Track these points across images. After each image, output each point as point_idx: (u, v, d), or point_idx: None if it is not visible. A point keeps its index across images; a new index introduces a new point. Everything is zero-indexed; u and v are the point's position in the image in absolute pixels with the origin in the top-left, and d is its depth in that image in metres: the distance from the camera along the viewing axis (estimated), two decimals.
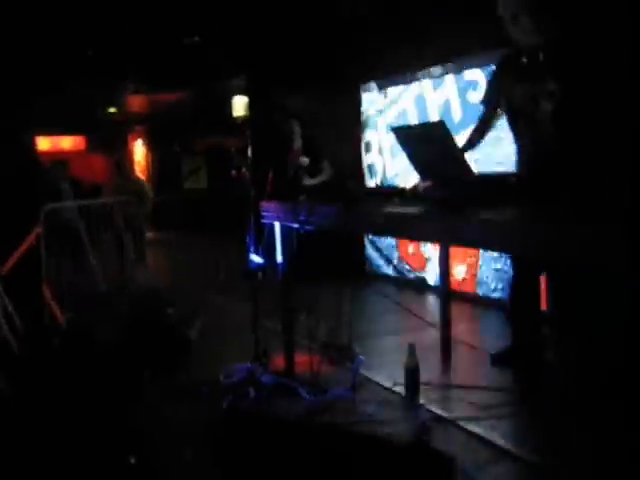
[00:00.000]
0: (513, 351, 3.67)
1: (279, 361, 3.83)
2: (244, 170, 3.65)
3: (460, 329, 4.37)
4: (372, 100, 6.67)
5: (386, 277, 6.62)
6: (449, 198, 2.58)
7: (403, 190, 3.23)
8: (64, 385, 3.48)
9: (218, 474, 2.58)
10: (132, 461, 2.67)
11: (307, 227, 3.21)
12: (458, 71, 5.48)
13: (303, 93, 6.75)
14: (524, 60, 3.24)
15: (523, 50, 3.23)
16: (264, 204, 3.64)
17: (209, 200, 13.23)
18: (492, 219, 2.32)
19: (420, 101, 5.96)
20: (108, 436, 2.94)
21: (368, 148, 6.81)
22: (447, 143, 2.68)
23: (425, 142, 2.82)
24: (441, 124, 2.71)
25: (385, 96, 6.46)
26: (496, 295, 5.23)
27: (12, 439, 3.00)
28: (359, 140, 6.86)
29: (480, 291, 5.41)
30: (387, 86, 6.43)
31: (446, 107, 5.63)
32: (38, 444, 2.89)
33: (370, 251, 6.89)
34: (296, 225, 3.30)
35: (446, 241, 3.44)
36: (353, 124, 6.84)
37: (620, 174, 2.97)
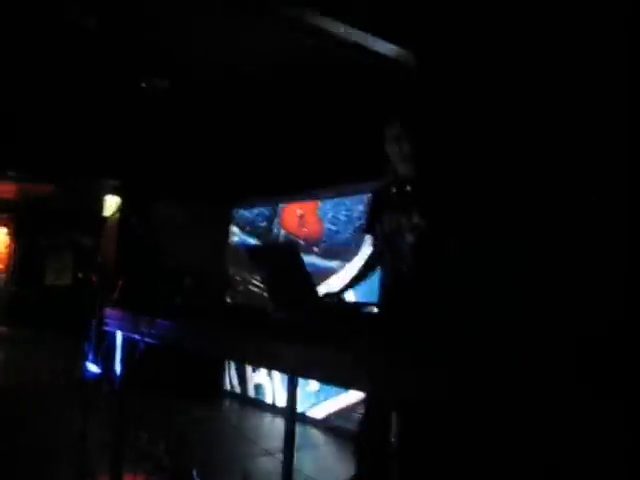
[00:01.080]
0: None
1: None
2: (93, 274, 3.48)
3: (305, 456, 4.22)
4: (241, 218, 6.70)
5: (236, 395, 6.40)
6: (292, 323, 2.52)
7: (253, 308, 3.17)
8: None
9: None
10: None
11: (148, 340, 3.05)
12: (329, 198, 5.61)
13: (175, 205, 6.70)
14: (393, 190, 3.33)
15: (394, 181, 3.33)
16: (107, 311, 3.45)
17: (71, 298, 12.64)
18: (337, 353, 2.22)
19: None
20: None
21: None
22: (295, 263, 2.65)
23: (275, 261, 2.78)
24: (292, 246, 2.69)
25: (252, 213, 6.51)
26: (339, 422, 5.14)
27: None
28: (225, 254, 6.81)
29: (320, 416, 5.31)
30: (257, 206, 6.49)
31: None
32: None
33: (229, 367, 6.69)
34: (137, 337, 3.13)
35: (294, 373, 3.35)
36: (221, 236, 6.81)
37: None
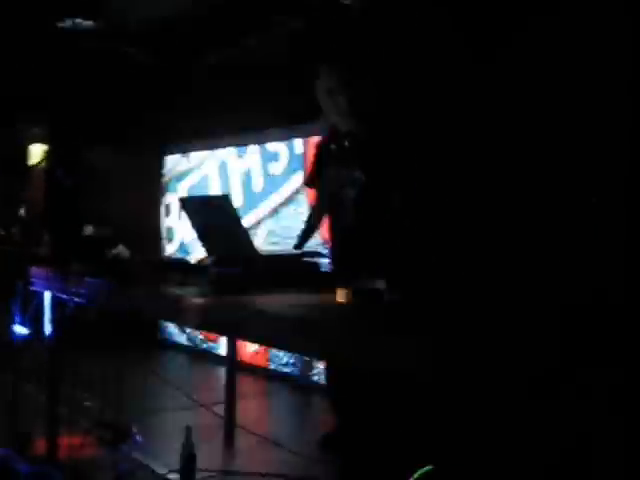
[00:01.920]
0: (340, 436, 3.54)
1: (42, 444, 3.42)
2: (13, 229, 3.29)
3: (248, 407, 4.19)
4: (176, 163, 6.48)
5: (179, 346, 6.32)
6: (229, 276, 2.43)
7: (187, 263, 3.06)
8: None
9: None
10: None
11: (78, 300, 2.91)
12: (261, 142, 5.46)
13: (105, 149, 6.43)
14: (333, 146, 3.28)
15: (333, 136, 3.27)
16: (33, 270, 3.28)
17: None
18: (278, 313, 2.11)
19: (223, 168, 5.87)
20: None
21: (168, 212, 6.58)
22: (231, 218, 2.55)
23: (210, 215, 2.68)
24: (225, 198, 2.58)
25: (189, 160, 6.31)
26: (287, 370, 5.13)
27: None
28: (158, 203, 6.62)
29: (272, 365, 5.29)
30: (191, 150, 6.29)
31: (248, 177, 5.57)
32: None
33: None
34: (66, 297, 2.99)
35: (228, 334, 3.27)
36: (154, 185, 6.60)
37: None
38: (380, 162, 3.17)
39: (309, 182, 3.52)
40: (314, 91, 3.24)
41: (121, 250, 3.28)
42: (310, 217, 3.59)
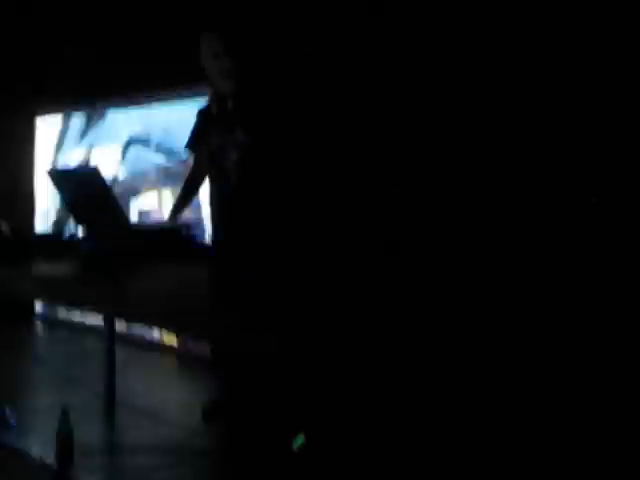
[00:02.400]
0: (223, 404, 3.51)
1: None
2: None
3: (126, 381, 4.08)
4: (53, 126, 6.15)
5: (55, 321, 6.05)
6: (98, 251, 2.34)
7: (59, 238, 2.93)
8: None
9: None
10: None
11: None
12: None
13: None
14: (214, 109, 3.22)
15: (215, 99, 3.22)
16: None
17: None
18: (151, 289, 2.03)
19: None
20: None
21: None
22: (102, 192, 2.44)
23: (80, 189, 2.56)
24: (95, 171, 2.47)
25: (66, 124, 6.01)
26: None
27: None
28: (32, 172, 6.28)
29: (146, 334, 5.17)
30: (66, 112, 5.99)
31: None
32: None
33: None
34: None
35: (102, 312, 3.17)
36: (26, 153, 6.25)
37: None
38: (265, 123, 3.14)
39: (190, 146, 3.43)
40: (199, 56, 3.16)
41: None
42: (186, 185, 3.51)
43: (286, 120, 3.26)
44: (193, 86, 4.55)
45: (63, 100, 5.86)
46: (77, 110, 5.92)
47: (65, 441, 2.98)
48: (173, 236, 2.60)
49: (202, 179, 3.44)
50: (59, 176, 2.79)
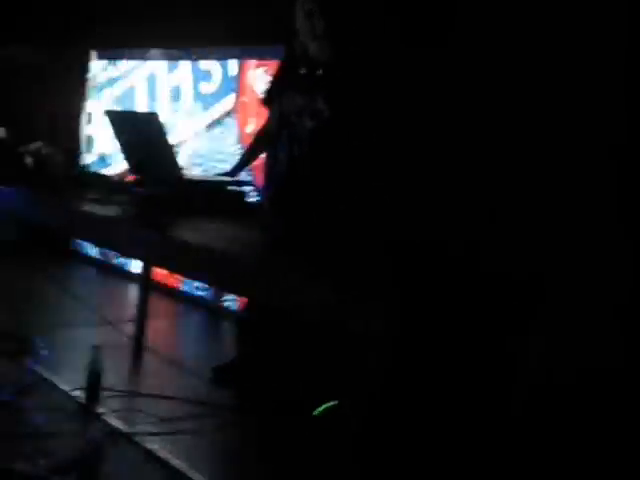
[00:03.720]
0: (236, 367, 3.50)
1: None
2: None
3: (157, 329, 4.14)
4: (101, 69, 6.17)
5: (91, 259, 6.13)
6: (151, 199, 2.35)
7: (109, 179, 2.95)
8: None
9: None
10: None
11: None
12: (194, 59, 5.25)
13: (25, 46, 6.02)
14: (302, 71, 3.08)
15: (303, 60, 3.07)
16: None
17: None
18: (198, 244, 2.00)
19: (151, 81, 5.63)
20: None
21: (90, 119, 6.29)
22: (158, 137, 2.45)
23: (137, 132, 2.57)
24: (154, 116, 2.47)
25: (116, 68, 6.01)
26: (200, 293, 5.08)
27: None
28: (80, 109, 6.31)
29: (185, 287, 5.22)
30: (119, 58, 5.98)
31: (176, 93, 5.37)
32: None
33: None
34: None
35: (147, 260, 3.15)
36: (75, 90, 6.27)
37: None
38: (351, 100, 2.99)
39: (267, 102, 3.33)
40: (291, 9, 3.04)
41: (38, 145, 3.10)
42: (255, 140, 3.43)
43: (374, 100, 3.11)
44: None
45: (115, 44, 5.85)
46: (125, 56, 5.91)
47: (94, 378, 3.04)
48: (225, 190, 2.61)
49: (272, 137, 3.34)
50: (117, 117, 2.80)
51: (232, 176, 3.21)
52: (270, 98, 3.27)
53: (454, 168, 3.23)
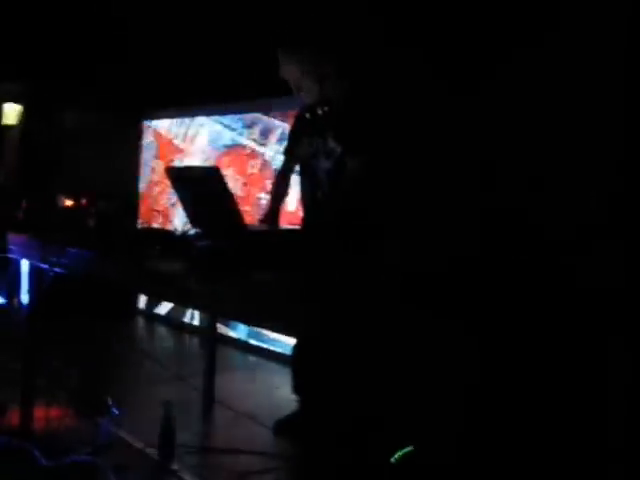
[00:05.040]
0: (298, 419, 3.45)
1: (16, 415, 3.33)
2: None
3: (225, 382, 4.12)
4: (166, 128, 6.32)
5: (160, 317, 6.19)
6: (214, 251, 2.35)
7: (171, 233, 2.98)
8: None
9: None
10: None
11: (57, 270, 2.81)
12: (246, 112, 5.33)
13: (82, 111, 6.23)
14: (307, 115, 3.20)
15: (308, 105, 3.19)
16: (10, 236, 3.16)
17: None
18: (261, 288, 2.04)
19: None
20: None
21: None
22: (220, 190, 2.46)
23: (198, 186, 2.58)
24: (216, 170, 2.49)
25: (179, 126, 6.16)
26: (264, 345, 5.05)
27: None
28: (137, 167, 6.46)
29: (254, 339, 5.20)
30: (172, 117, 6.13)
31: None
32: None
33: None
34: (45, 266, 2.89)
35: (211, 310, 3.18)
36: (132, 150, 6.44)
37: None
38: (358, 135, 3.06)
39: (286, 153, 3.43)
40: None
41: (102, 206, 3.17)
42: (275, 189, 3.48)
43: (379, 131, 3.17)
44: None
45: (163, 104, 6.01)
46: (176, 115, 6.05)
47: (167, 434, 3.03)
48: (287, 239, 2.59)
49: (289, 183, 3.45)
50: (178, 174, 2.83)
51: (273, 221, 3.29)
52: (289, 147, 3.38)
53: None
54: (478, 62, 3.26)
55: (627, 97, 2.79)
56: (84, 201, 3.55)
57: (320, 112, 3.13)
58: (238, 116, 5.41)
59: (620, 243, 2.72)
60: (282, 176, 3.47)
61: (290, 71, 3.08)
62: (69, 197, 3.67)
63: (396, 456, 2.99)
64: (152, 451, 3.10)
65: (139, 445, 3.22)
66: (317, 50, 3.12)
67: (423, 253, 2.73)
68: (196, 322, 5.65)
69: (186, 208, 2.77)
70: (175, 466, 2.99)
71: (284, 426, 3.46)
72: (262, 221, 3.38)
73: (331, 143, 3.07)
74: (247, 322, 3.53)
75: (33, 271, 3.16)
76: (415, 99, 3.50)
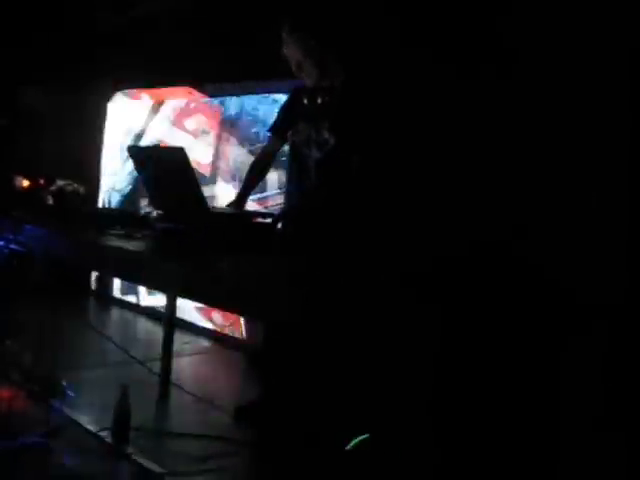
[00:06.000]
0: (260, 405, 3.42)
1: None
2: None
3: (184, 365, 4.10)
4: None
5: (114, 299, 6.10)
6: (177, 232, 2.32)
7: (132, 214, 2.93)
8: None
9: None
10: None
11: (13, 247, 2.75)
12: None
13: (43, 92, 6.09)
14: (305, 101, 3.12)
15: (306, 91, 3.11)
16: None
17: None
18: (225, 272, 2.01)
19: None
20: None
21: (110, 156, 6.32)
22: (185, 172, 2.42)
23: (161, 168, 2.54)
24: (181, 151, 2.44)
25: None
26: (226, 331, 5.02)
27: None
28: (100, 146, 6.36)
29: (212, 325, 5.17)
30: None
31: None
32: None
33: None
34: (0, 243, 2.82)
35: (172, 292, 3.14)
36: (96, 130, 6.33)
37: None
38: (353, 128, 2.99)
39: (273, 129, 3.34)
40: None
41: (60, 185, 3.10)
42: (253, 169, 3.38)
43: (375, 126, 3.11)
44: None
45: (133, 84, 5.90)
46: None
47: (122, 418, 2.99)
48: (250, 223, 2.57)
49: (270, 166, 3.38)
50: (140, 153, 2.78)
51: (238, 205, 3.20)
52: (276, 126, 3.28)
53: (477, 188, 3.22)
54: (483, 62, 3.24)
55: (631, 97, 2.80)
56: (42, 181, 3.47)
57: (320, 101, 3.06)
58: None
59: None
60: (265, 154, 3.36)
61: (292, 50, 3.01)
62: (27, 177, 3.59)
63: (352, 444, 3.00)
64: (106, 434, 3.06)
65: (93, 428, 3.17)
66: (319, 33, 3.04)
67: (411, 250, 2.74)
68: (148, 303, 5.58)
69: (148, 188, 2.73)
70: (129, 450, 2.95)
71: (245, 412, 3.44)
72: (229, 205, 3.32)
73: (325, 134, 3.00)
74: (214, 305, 3.48)
75: None
76: (414, 97, 3.45)
